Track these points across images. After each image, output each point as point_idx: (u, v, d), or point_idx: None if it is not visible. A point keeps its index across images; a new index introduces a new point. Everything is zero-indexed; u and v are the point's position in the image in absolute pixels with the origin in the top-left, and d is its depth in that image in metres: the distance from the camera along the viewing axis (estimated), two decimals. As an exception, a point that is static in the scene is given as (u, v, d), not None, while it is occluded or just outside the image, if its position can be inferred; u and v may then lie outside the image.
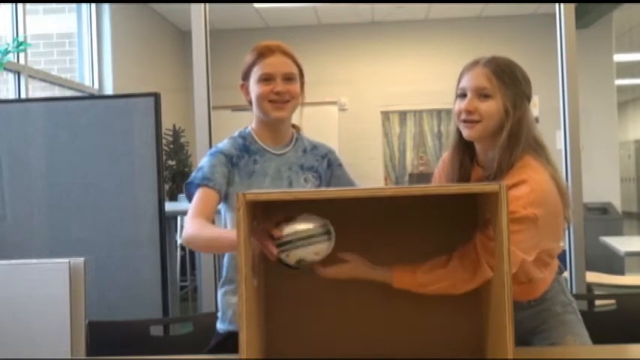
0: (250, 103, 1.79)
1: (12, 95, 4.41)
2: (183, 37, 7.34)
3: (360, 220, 1.48)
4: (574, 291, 2.56)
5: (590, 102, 6.39)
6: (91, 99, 4.30)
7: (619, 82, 7.78)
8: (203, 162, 1.75)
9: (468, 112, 1.57)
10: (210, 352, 1.78)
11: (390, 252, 1.46)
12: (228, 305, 1.78)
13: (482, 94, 1.56)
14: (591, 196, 5.59)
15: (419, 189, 1.29)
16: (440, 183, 1.76)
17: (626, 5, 6.45)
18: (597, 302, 2.20)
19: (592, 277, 3.54)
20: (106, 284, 2.69)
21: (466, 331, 1.47)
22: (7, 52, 3.47)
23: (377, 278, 1.44)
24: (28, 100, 4.08)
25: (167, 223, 3.37)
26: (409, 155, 7.82)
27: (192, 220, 1.61)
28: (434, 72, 7.23)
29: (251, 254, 1.29)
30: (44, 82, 4.93)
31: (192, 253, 5.33)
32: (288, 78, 1.74)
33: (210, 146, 2.43)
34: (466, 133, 1.60)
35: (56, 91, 5.11)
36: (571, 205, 1.62)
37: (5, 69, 3.89)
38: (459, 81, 1.62)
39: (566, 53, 2.63)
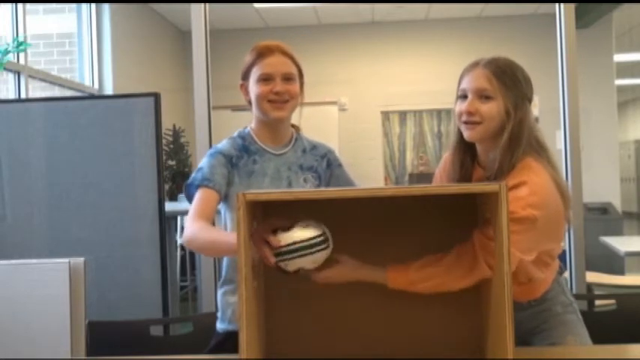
0: (250, 103, 1.79)
1: (12, 95, 4.41)
2: (183, 37, 7.34)
3: (360, 220, 1.48)
4: (574, 291, 2.56)
5: (590, 102, 6.39)
6: (91, 99, 4.30)
7: (619, 82, 7.78)
8: (203, 163, 1.76)
9: (469, 113, 1.57)
10: (210, 352, 1.78)
11: (389, 252, 1.46)
12: (228, 305, 1.78)
13: (482, 96, 1.56)
14: (591, 196, 5.59)
15: (419, 189, 1.29)
16: (441, 183, 1.76)
17: (626, 5, 6.45)
18: (597, 302, 2.20)
19: (592, 277, 3.54)
20: (106, 284, 2.69)
21: (466, 331, 1.47)
22: (7, 52, 3.47)
23: (371, 280, 1.43)
24: (28, 100, 4.09)
25: (167, 223, 3.37)
26: (409, 155, 7.82)
27: (193, 222, 1.61)
28: (434, 72, 7.23)
29: (251, 254, 1.29)
30: (44, 82, 4.93)
31: (192, 253, 5.32)
32: (287, 78, 1.74)
33: (210, 146, 2.43)
34: (467, 134, 1.60)
35: (56, 91, 5.11)
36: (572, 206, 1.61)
37: (5, 69, 3.89)
38: (460, 82, 1.62)
39: (566, 53, 2.63)
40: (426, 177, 6.98)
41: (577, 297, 1.81)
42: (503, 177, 1.52)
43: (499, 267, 1.26)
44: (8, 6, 4.41)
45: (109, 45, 5.69)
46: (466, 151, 1.67)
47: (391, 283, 1.42)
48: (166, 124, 6.17)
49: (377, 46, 7.49)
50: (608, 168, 7.09)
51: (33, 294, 1.57)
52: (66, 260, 1.58)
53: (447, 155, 1.76)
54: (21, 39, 3.87)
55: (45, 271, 1.58)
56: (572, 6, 2.65)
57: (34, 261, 1.61)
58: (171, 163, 6.73)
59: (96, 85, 5.68)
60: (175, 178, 6.64)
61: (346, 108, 7.57)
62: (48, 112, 2.82)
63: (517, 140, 1.54)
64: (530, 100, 1.60)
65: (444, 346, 1.48)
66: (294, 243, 1.27)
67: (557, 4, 2.68)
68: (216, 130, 2.66)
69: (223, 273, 1.81)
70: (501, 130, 1.56)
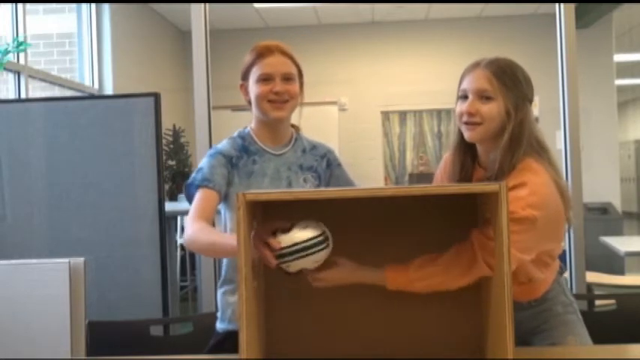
0: (249, 103, 1.79)
1: (12, 95, 4.41)
2: (183, 37, 7.34)
3: (359, 220, 1.48)
4: (574, 291, 2.56)
5: (590, 102, 6.39)
6: (91, 99, 4.30)
7: (619, 82, 7.78)
8: (202, 163, 1.76)
9: (470, 114, 1.57)
10: (209, 351, 1.78)
11: (389, 252, 1.46)
12: (228, 304, 1.78)
13: (483, 96, 1.56)
14: (591, 196, 5.59)
15: (419, 189, 1.29)
16: (441, 183, 1.76)
17: (626, 5, 6.45)
18: (597, 302, 2.20)
19: (592, 277, 3.54)
20: (106, 284, 2.69)
21: (466, 331, 1.47)
22: (7, 52, 3.47)
23: (370, 281, 1.43)
24: (28, 100, 4.08)
25: (167, 223, 3.37)
26: (409, 155, 7.82)
27: (193, 223, 1.61)
28: (434, 72, 7.23)
29: (251, 254, 1.29)
30: (44, 82, 4.93)
31: (192, 253, 5.32)
32: (287, 78, 1.74)
33: (210, 146, 2.43)
34: (467, 135, 1.60)
35: (56, 91, 5.11)
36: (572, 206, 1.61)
37: (5, 69, 3.89)
38: (460, 82, 1.62)
39: (566, 53, 2.63)
40: (426, 177, 6.98)
41: (577, 297, 1.81)
42: (504, 177, 1.52)
43: (499, 267, 1.26)
44: (8, 6, 4.41)
45: (109, 45, 5.69)
46: (466, 151, 1.66)
47: (390, 282, 1.42)
48: (166, 124, 6.16)
49: (377, 46, 7.49)
50: (608, 168, 7.09)
51: (33, 294, 1.57)
52: (66, 260, 1.58)
53: (447, 155, 1.76)
54: (21, 39, 3.87)
55: (45, 271, 1.58)
56: (572, 6, 2.65)
57: (34, 261, 1.61)
58: (171, 163, 6.73)
59: (96, 85, 5.68)
60: (175, 178, 6.64)
61: (346, 108, 7.57)
62: (48, 112, 2.82)
63: (517, 141, 1.54)
64: (530, 101, 1.60)
65: (444, 346, 1.48)
66: (295, 244, 1.27)
67: (557, 4, 2.68)
68: (216, 130, 2.66)
69: (223, 273, 1.81)
70: (502, 130, 1.56)
